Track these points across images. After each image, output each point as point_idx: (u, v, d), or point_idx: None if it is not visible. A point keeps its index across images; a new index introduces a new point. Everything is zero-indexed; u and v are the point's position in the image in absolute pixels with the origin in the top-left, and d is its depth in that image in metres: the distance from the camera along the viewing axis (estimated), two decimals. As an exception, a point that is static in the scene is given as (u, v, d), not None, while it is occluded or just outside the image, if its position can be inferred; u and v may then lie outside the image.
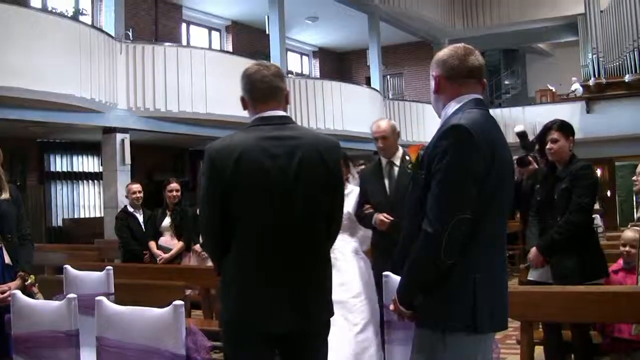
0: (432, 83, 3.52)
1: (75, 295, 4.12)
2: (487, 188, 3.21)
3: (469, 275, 3.21)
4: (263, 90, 3.86)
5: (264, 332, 3.65)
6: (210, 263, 9.34)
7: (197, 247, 9.63)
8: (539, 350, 6.06)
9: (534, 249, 6.08)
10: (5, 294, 5.25)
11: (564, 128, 6.11)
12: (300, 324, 3.70)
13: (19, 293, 4.58)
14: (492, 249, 3.32)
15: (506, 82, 32.16)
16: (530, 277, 6.22)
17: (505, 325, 3.41)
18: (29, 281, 5.56)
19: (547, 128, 6.18)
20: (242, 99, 3.95)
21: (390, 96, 27.69)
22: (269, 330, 3.65)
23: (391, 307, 3.47)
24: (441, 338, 3.22)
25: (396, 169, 6.37)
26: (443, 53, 3.52)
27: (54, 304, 4.27)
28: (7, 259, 5.51)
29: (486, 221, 3.24)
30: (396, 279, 3.56)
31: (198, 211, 8.65)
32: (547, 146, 6.09)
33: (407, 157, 6.07)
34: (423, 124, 23.41)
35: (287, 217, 3.66)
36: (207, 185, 3.69)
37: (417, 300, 3.28)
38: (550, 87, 27.90)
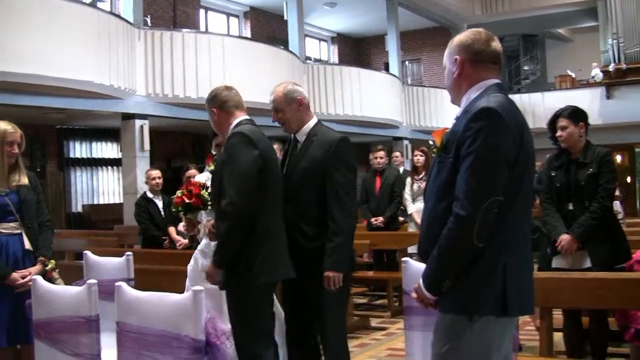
0: (452, 67, 3.47)
1: (95, 281, 4.14)
2: (516, 170, 3.20)
3: (499, 259, 3.19)
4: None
5: None
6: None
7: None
8: (557, 337, 6.05)
9: (567, 236, 6.03)
10: (26, 279, 5.29)
11: (573, 115, 6.10)
12: None
13: (39, 278, 4.60)
14: (520, 232, 3.29)
15: (525, 68, 31.96)
16: (555, 265, 6.17)
17: (532, 308, 3.39)
18: (49, 266, 5.59)
19: (556, 115, 6.19)
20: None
21: (409, 82, 27.60)
22: None
23: (413, 294, 3.42)
24: (468, 323, 3.20)
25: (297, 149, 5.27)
26: (465, 37, 3.47)
27: (74, 289, 4.29)
28: (27, 245, 5.55)
29: (515, 204, 3.22)
30: (416, 265, 3.53)
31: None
32: (557, 133, 6.10)
33: (316, 136, 5.22)
34: (442, 109, 23.31)
35: None
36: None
37: (445, 286, 3.24)
38: (570, 73, 27.75)
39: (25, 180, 5.61)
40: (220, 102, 5.07)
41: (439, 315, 3.33)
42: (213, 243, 5.27)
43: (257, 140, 4.80)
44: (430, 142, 3.40)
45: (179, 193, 5.54)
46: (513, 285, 3.19)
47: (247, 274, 4.60)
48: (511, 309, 3.20)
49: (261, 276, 4.66)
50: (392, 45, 23.91)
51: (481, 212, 3.08)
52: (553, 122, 6.19)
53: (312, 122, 5.29)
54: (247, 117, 5.08)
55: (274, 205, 4.80)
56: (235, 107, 5.10)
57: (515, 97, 23.64)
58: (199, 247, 5.82)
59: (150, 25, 16.89)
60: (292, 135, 5.30)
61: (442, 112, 23.27)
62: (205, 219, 5.62)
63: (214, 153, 5.04)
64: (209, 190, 5.46)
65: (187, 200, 5.45)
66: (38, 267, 5.52)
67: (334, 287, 4.87)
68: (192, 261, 5.88)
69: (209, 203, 5.44)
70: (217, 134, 5.56)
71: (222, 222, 4.60)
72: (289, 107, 5.22)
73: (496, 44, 3.46)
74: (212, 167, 4.83)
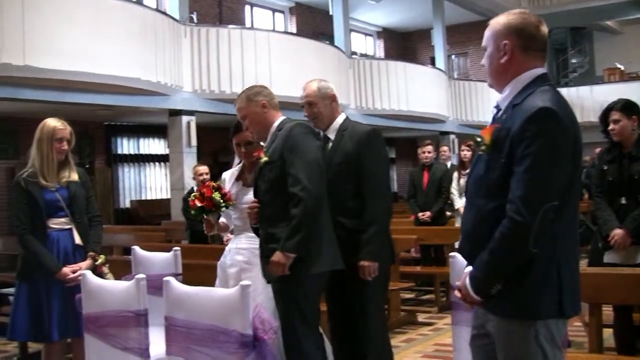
0: (496, 52, 3.31)
1: (143, 276, 4.17)
2: (571, 170, 3.10)
3: (553, 259, 3.11)
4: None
5: None
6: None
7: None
8: (607, 333, 5.97)
9: (620, 231, 5.96)
10: (76, 274, 5.35)
11: (626, 108, 6.02)
12: None
13: (89, 273, 4.65)
14: (571, 231, 3.21)
15: (573, 61, 31.61)
16: (607, 260, 6.09)
17: (580, 307, 3.31)
18: (99, 261, 5.66)
19: (609, 109, 6.11)
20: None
21: (455, 76, 27.46)
22: None
23: (457, 293, 3.37)
24: (531, 327, 3.11)
25: (330, 145, 5.25)
26: (514, 19, 3.32)
27: (123, 284, 4.33)
28: (77, 240, 5.61)
29: (568, 203, 3.13)
30: (464, 260, 3.48)
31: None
32: (610, 127, 6.02)
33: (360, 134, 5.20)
34: (489, 104, 23.02)
35: None
36: None
37: (495, 289, 3.15)
38: (619, 66, 27.40)
39: (75, 177, 5.67)
40: (270, 97, 5.08)
41: (497, 320, 3.24)
42: (243, 237, 5.44)
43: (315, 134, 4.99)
44: (478, 139, 3.29)
45: (192, 196, 5.54)
46: (567, 285, 3.12)
47: (306, 261, 4.63)
48: (567, 310, 3.13)
49: (319, 265, 4.71)
50: (438, 40, 23.80)
51: (538, 218, 2.99)
52: (605, 116, 6.12)
53: (341, 118, 5.33)
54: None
55: (326, 197, 4.83)
56: (277, 105, 5.16)
57: (563, 91, 23.35)
58: (230, 245, 5.70)
59: (196, 21, 17.00)
60: (322, 133, 5.29)
61: (489, 107, 22.79)
62: (233, 215, 5.60)
63: (263, 145, 5.00)
64: (223, 191, 5.45)
65: (199, 204, 5.44)
66: (88, 262, 5.58)
67: (370, 277, 4.91)
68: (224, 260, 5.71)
69: (222, 205, 5.42)
70: (237, 131, 5.54)
71: (296, 207, 4.61)
72: (323, 101, 5.26)
73: (545, 29, 3.31)
74: (265, 159, 4.80)
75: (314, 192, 4.63)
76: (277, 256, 4.60)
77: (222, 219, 5.76)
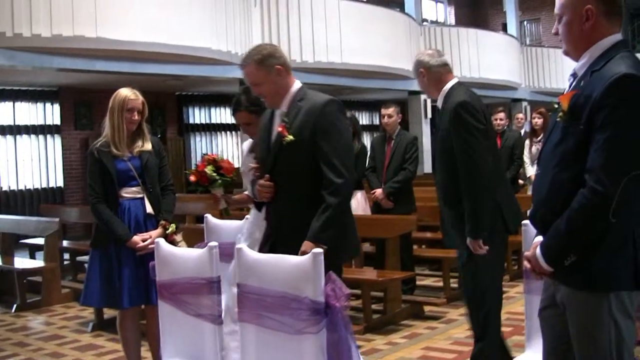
0: (575, 17, 3.17)
1: (216, 243, 4.19)
2: None
3: (629, 231, 3.03)
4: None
5: None
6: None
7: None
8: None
9: None
10: (146, 242, 5.43)
11: None
12: None
13: (162, 241, 4.69)
14: None
15: (649, 26, 30.98)
16: None
17: None
18: (169, 230, 5.70)
19: None
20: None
21: (528, 42, 27.09)
22: None
23: (526, 264, 3.31)
24: (603, 298, 3.06)
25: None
26: None
27: (196, 251, 4.36)
28: (149, 209, 5.67)
29: None
30: (534, 229, 3.42)
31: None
32: None
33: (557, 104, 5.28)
34: (562, 70, 22.80)
35: None
36: None
37: (569, 260, 3.09)
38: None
39: (148, 146, 5.70)
40: (284, 60, 4.58)
41: (568, 291, 3.18)
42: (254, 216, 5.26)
43: None
44: (555, 106, 3.20)
45: (188, 171, 5.40)
46: None
47: (335, 250, 4.28)
48: None
49: (344, 253, 4.63)
50: (510, 5, 23.53)
51: (620, 188, 2.91)
52: None
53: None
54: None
55: None
56: (290, 67, 4.65)
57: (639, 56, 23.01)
58: (250, 219, 5.51)
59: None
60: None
61: (562, 73, 22.75)
62: (249, 188, 5.31)
63: (286, 120, 4.61)
64: (220, 164, 5.29)
65: (194, 179, 5.30)
66: (159, 230, 5.63)
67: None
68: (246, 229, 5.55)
69: (218, 179, 5.23)
70: (237, 109, 5.37)
71: (333, 197, 4.32)
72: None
73: None
74: (290, 138, 4.46)
75: (350, 182, 4.40)
76: (308, 246, 4.20)
77: (246, 192, 5.57)
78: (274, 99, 4.55)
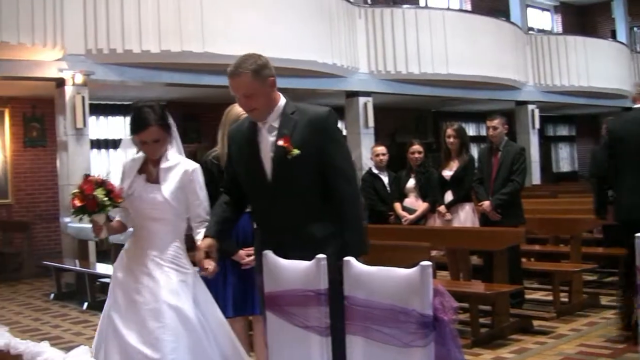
0: None
1: (323, 256, 4.21)
2: None
3: None
4: None
5: None
6: (455, 224, 9.33)
7: (442, 208, 9.55)
8: None
9: None
10: (250, 258, 5.45)
11: None
12: None
13: (270, 253, 4.73)
14: None
15: None
16: None
17: None
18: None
19: None
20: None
21: (638, 49, 26.46)
22: None
23: None
24: None
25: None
26: None
27: (304, 264, 4.37)
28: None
29: None
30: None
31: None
32: None
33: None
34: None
35: None
36: None
37: None
38: None
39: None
40: (274, 72, 4.57)
41: None
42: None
43: None
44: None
45: (72, 194, 4.81)
46: None
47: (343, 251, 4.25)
48: None
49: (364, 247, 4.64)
50: (619, 11, 23.10)
51: None
52: None
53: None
54: None
55: None
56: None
57: None
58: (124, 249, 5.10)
59: (370, 3, 17.06)
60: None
61: (677, 80, 22.21)
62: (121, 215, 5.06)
63: (286, 133, 4.41)
64: (108, 187, 4.79)
65: (79, 204, 4.72)
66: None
67: None
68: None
69: (108, 204, 4.76)
70: (143, 128, 4.92)
71: (353, 207, 4.42)
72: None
73: None
74: (297, 152, 4.28)
75: (357, 187, 4.54)
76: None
77: (117, 217, 5.12)
78: (262, 112, 4.50)
